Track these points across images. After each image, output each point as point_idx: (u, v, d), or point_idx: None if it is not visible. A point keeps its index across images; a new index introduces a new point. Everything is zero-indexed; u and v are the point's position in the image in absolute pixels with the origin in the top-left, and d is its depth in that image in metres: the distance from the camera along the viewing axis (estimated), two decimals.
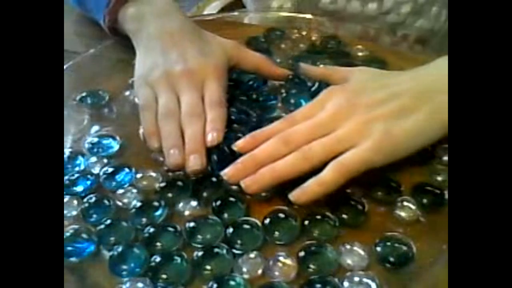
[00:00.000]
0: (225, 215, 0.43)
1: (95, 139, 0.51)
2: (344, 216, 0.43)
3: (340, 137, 0.44)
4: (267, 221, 0.42)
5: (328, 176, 0.42)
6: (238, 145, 0.46)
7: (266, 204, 0.44)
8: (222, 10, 1.07)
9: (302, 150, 0.43)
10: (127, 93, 0.57)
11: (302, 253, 0.40)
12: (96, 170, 0.48)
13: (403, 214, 0.43)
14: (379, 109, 0.45)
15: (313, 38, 0.66)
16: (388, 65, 0.60)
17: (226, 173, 0.44)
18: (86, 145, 0.50)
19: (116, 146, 0.50)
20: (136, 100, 0.54)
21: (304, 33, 0.67)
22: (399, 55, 0.63)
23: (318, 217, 0.42)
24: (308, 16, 0.70)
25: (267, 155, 0.44)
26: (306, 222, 0.42)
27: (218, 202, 0.44)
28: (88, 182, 0.46)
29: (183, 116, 0.49)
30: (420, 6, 0.72)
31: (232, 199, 0.44)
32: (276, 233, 0.41)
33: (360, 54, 0.63)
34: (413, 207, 0.43)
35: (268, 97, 0.55)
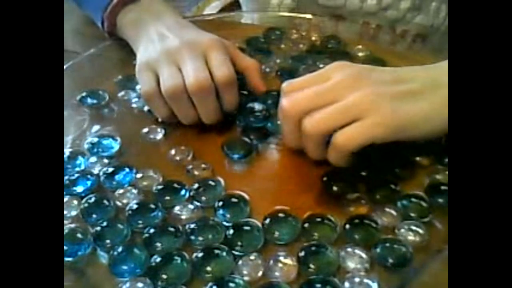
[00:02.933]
0: (228, 216, 0.43)
1: (95, 139, 0.51)
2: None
3: (346, 107, 0.42)
4: (267, 221, 0.42)
5: (331, 156, 0.43)
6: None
7: (268, 205, 0.44)
8: (222, 10, 1.07)
9: (304, 128, 0.43)
10: (123, 93, 0.57)
11: (302, 253, 0.40)
12: (96, 170, 0.48)
13: (410, 238, 0.41)
14: (387, 87, 0.44)
15: (313, 38, 0.66)
16: (388, 65, 0.60)
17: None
18: (86, 145, 0.50)
19: (116, 146, 0.50)
20: (138, 88, 0.54)
21: (304, 33, 0.67)
22: (399, 55, 0.63)
23: (318, 219, 0.42)
24: (308, 16, 0.70)
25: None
26: (306, 225, 0.42)
27: (221, 203, 0.44)
28: (88, 182, 0.46)
29: (191, 91, 0.48)
30: (419, 2, 0.73)
31: (234, 199, 0.44)
32: (276, 233, 0.41)
33: (360, 54, 0.63)
34: (421, 231, 0.41)
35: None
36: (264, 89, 0.55)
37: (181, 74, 0.49)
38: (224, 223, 0.42)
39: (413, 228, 0.42)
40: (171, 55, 0.50)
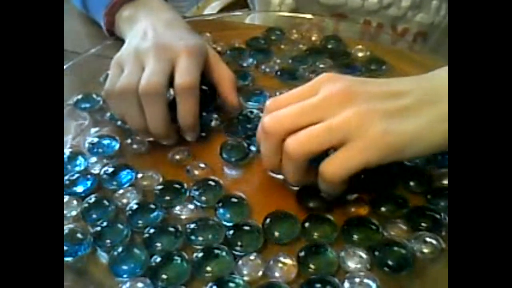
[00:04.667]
0: (228, 216, 0.43)
1: (95, 139, 0.51)
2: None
3: (333, 127, 0.39)
4: (267, 221, 0.42)
5: (323, 187, 0.41)
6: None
7: (268, 205, 0.44)
8: (222, 10, 1.07)
9: (286, 151, 0.40)
10: None
11: (302, 253, 0.40)
12: (96, 170, 0.48)
13: (426, 250, 0.40)
14: (379, 104, 0.40)
15: (313, 38, 0.66)
16: (388, 65, 0.60)
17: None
18: (86, 145, 0.50)
19: (116, 146, 0.50)
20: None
21: (304, 33, 0.67)
22: (399, 55, 0.63)
23: (318, 219, 0.42)
24: (308, 16, 0.70)
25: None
26: (306, 225, 0.42)
27: (220, 203, 0.44)
28: (88, 182, 0.46)
29: (140, 92, 0.45)
30: (420, 0, 0.73)
31: (234, 199, 0.44)
32: (276, 233, 0.41)
33: (360, 54, 0.63)
34: (435, 242, 0.40)
35: None
36: (236, 103, 0.52)
37: (140, 75, 0.47)
38: (224, 223, 0.42)
39: (427, 240, 0.41)
40: (139, 55, 0.49)
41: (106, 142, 0.50)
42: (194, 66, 0.48)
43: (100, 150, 0.50)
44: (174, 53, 0.48)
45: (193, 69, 0.47)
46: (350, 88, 0.40)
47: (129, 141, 0.51)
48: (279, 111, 0.41)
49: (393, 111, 0.40)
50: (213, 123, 0.53)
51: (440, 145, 0.40)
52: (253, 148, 0.49)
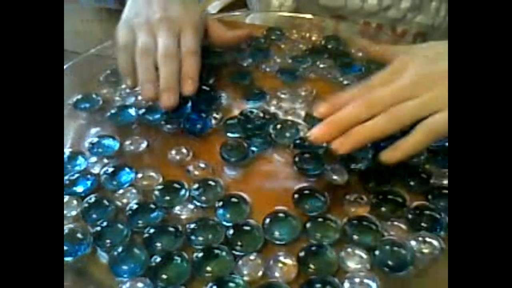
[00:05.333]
0: (228, 216, 0.43)
1: (95, 139, 0.51)
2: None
3: (427, 102, 0.43)
4: (267, 221, 0.42)
5: (418, 137, 0.42)
6: (318, 111, 0.46)
7: (267, 205, 0.44)
8: (222, 10, 1.07)
9: (390, 112, 0.43)
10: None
11: (302, 253, 0.40)
12: (96, 170, 0.48)
13: (425, 250, 0.40)
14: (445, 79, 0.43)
15: (313, 38, 0.66)
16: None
17: (313, 133, 0.44)
18: (86, 145, 0.50)
19: (116, 146, 0.50)
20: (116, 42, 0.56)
21: (304, 33, 0.67)
22: None
23: (320, 219, 0.42)
24: (308, 16, 0.70)
25: (351, 117, 0.44)
26: (308, 225, 0.42)
27: (220, 203, 0.44)
28: (88, 183, 0.46)
29: (159, 56, 0.52)
30: (420, 2, 0.73)
31: (234, 199, 0.44)
32: (276, 233, 0.41)
33: (360, 54, 0.63)
34: (435, 242, 0.41)
35: None
36: (245, 33, 0.61)
37: (154, 41, 0.53)
38: (224, 223, 0.42)
39: (427, 239, 0.41)
40: (151, 27, 0.54)
41: (106, 142, 0.50)
42: (196, 37, 0.55)
43: (100, 150, 0.50)
44: (181, 24, 0.55)
45: (196, 39, 0.55)
46: (428, 68, 0.45)
47: (128, 142, 0.51)
48: (376, 93, 0.45)
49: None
50: (213, 123, 0.53)
51: None
52: (254, 148, 0.49)
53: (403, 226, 0.42)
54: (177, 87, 0.51)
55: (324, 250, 0.40)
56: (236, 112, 0.54)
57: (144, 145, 0.51)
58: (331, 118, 0.44)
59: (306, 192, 0.45)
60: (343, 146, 0.43)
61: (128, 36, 0.54)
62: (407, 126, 0.43)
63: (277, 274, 0.39)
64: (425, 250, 0.40)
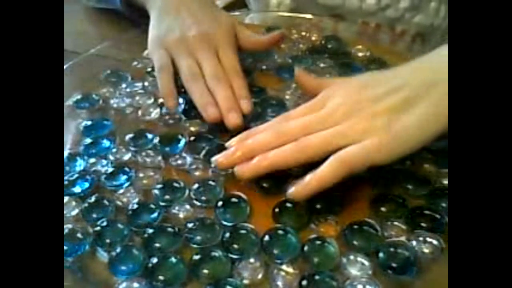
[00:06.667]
0: (228, 216, 0.43)
1: (92, 140, 0.51)
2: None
3: (341, 131, 0.42)
4: (266, 238, 0.41)
5: (327, 170, 0.41)
6: (232, 142, 0.46)
7: (267, 205, 0.44)
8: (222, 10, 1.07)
9: (299, 140, 0.43)
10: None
11: (305, 248, 0.40)
12: (95, 171, 0.48)
13: (426, 250, 0.40)
14: (381, 104, 0.43)
15: (313, 38, 0.66)
16: (388, 65, 0.60)
17: (217, 160, 0.45)
18: (84, 146, 0.50)
19: (113, 147, 0.50)
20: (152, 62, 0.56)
21: (304, 33, 0.67)
22: (399, 55, 0.63)
23: (318, 242, 0.41)
24: (308, 16, 0.70)
25: (260, 144, 0.44)
26: (306, 248, 0.40)
27: (220, 203, 0.44)
28: (87, 183, 0.46)
29: (210, 80, 0.52)
30: (418, 1, 0.73)
31: (234, 199, 0.44)
32: (275, 251, 0.40)
33: (360, 54, 0.63)
34: (435, 242, 0.40)
35: None
36: (278, 38, 0.59)
37: (196, 62, 0.53)
38: (224, 223, 0.42)
39: (427, 239, 0.41)
40: (188, 46, 0.54)
41: (104, 142, 0.50)
42: (235, 52, 0.56)
43: (98, 150, 0.50)
44: (216, 41, 0.55)
45: (235, 55, 0.55)
46: (353, 97, 0.45)
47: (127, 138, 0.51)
48: (289, 122, 0.45)
49: (395, 107, 0.43)
50: None
51: (442, 129, 0.41)
52: None
53: (403, 226, 0.42)
54: (237, 106, 0.51)
55: (326, 244, 0.40)
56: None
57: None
58: (240, 145, 0.45)
59: (288, 205, 0.43)
60: (246, 172, 0.43)
61: (165, 57, 0.54)
62: (318, 156, 0.42)
63: (279, 283, 0.38)
64: (426, 250, 0.40)
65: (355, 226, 0.42)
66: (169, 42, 0.55)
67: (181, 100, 0.55)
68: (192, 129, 0.52)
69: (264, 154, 0.43)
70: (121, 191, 0.45)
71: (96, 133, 0.51)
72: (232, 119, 0.50)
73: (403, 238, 0.41)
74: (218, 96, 0.51)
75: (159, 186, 0.46)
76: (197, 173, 0.47)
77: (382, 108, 0.43)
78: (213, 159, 0.45)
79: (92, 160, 0.49)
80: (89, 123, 0.52)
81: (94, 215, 0.43)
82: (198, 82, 0.52)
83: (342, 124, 0.43)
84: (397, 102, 0.43)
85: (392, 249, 0.40)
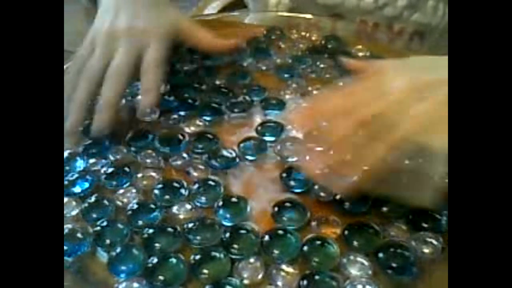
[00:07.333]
0: (228, 216, 0.43)
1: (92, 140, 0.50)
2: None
3: (423, 122, 0.39)
4: (266, 238, 0.41)
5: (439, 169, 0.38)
6: (295, 120, 0.44)
7: (267, 204, 0.44)
8: (222, 10, 1.07)
9: (385, 141, 0.39)
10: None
11: (305, 248, 0.40)
12: (95, 171, 0.48)
13: (426, 250, 0.40)
14: (443, 89, 0.38)
15: (313, 38, 0.66)
16: None
17: (303, 165, 0.42)
18: (84, 147, 0.50)
19: (114, 149, 0.50)
20: None
21: (304, 33, 0.67)
22: (397, 53, 0.63)
23: (318, 242, 0.41)
24: (308, 16, 0.70)
25: (344, 139, 0.40)
26: (305, 248, 0.40)
27: (221, 203, 0.44)
28: (87, 183, 0.46)
29: (106, 74, 0.50)
30: (416, 0, 0.73)
31: (234, 199, 0.44)
32: (275, 251, 0.40)
33: (360, 54, 0.63)
34: (435, 242, 0.40)
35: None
36: (223, 43, 0.58)
37: (108, 58, 0.51)
38: (224, 223, 0.42)
39: (427, 240, 0.41)
40: (111, 40, 0.51)
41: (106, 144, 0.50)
42: (159, 49, 0.52)
43: (100, 151, 0.49)
44: (146, 39, 0.52)
45: (158, 52, 0.52)
46: (415, 79, 0.41)
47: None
48: (369, 108, 0.40)
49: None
50: None
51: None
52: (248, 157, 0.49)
53: (403, 226, 0.42)
54: (112, 109, 0.49)
55: (326, 244, 0.40)
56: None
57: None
58: (326, 147, 0.41)
59: (287, 204, 0.44)
60: (345, 190, 0.40)
61: (83, 51, 0.52)
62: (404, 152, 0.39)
63: (279, 283, 0.38)
64: (426, 250, 0.40)
65: (355, 227, 0.42)
66: (95, 36, 0.52)
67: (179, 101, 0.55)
68: (192, 129, 0.52)
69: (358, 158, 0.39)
70: (121, 191, 0.45)
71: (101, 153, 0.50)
72: (97, 122, 0.49)
73: (403, 239, 0.41)
74: (102, 92, 0.50)
75: (159, 186, 0.46)
76: (197, 173, 0.47)
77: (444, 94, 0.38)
78: (300, 164, 0.42)
79: (92, 160, 0.49)
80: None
81: (94, 215, 0.43)
82: (85, 80, 0.50)
83: (417, 110, 0.39)
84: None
85: (392, 249, 0.40)
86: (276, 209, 0.43)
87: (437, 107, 0.39)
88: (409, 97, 0.40)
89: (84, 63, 0.51)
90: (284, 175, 0.47)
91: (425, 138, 0.39)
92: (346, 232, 0.41)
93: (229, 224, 0.42)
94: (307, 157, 0.42)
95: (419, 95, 0.40)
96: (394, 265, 0.39)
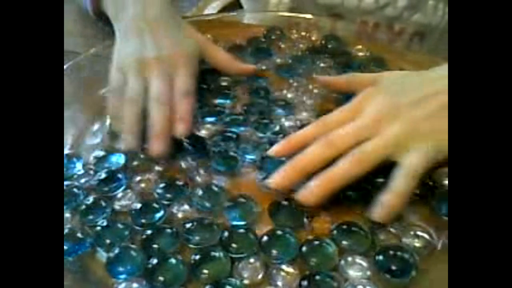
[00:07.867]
0: (237, 216, 0.43)
1: (101, 153, 0.50)
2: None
3: (391, 139, 0.42)
4: (265, 238, 0.41)
5: (400, 184, 0.41)
6: (274, 150, 0.46)
7: (267, 205, 0.44)
8: (222, 10, 1.07)
9: (353, 154, 0.42)
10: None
11: (304, 248, 0.40)
12: (94, 171, 0.48)
13: (417, 244, 0.41)
14: (420, 109, 0.43)
15: (313, 38, 0.66)
16: (388, 64, 0.60)
17: (273, 181, 0.44)
18: (93, 160, 0.49)
19: (121, 161, 0.49)
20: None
21: (304, 33, 0.67)
22: (398, 54, 0.63)
23: (317, 242, 0.41)
24: (308, 16, 0.70)
25: (312, 159, 0.43)
26: (304, 249, 0.40)
27: (229, 204, 0.43)
28: (87, 183, 0.46)
29: (149, 101, 0.50)
30: (416, 0, 0.73)
31: (242, 200, 0.44)
32: (274, 251, 0.40)
33: (360, 54, 0.63)
34: (427, 236, 0.41)
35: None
36: (241, 67, 0.58)
37: (144, 84, 0.51)
38: (234, 223, 0.42)
39: (419, 234, 0.41)
40: (142, 68, 0.52)
41: (113, 157, 0.49)
42: (189, 74, 0.53)
43: (107, 165, 0.48)
44: (174, 65, 0.53)
45: (188, 78, 0.53)
46: (392, 102, 0.44)
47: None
48: (337, 132, 0.44)
49: (435, 112, 0.42)
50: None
51: None
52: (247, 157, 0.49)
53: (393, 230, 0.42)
54: (167, 135, 0.49)
55: (324, 245, 0.40)
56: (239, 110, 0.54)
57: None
58: (290, 163, 0.44)
59: (284, 204, 0.44)
60: (311, 198, 0.42)
61: (118, 79, 0.52)
62: (373, 167, 0.42)
63: (279, 283, 0.38)
64: (417, 244, 0.40)
65: (344, 226, 0.41)
66: (124, 63, 0.53)
67: None
68: (195, 132, 0.52)
69: (325, 175, 0.42)
70: (120, 195, 0.45)
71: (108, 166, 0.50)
72: (155, 147, 0.48)
73: (394, 234, 0.41)
74: (152, 118, 0.49)
75: (161, 185, 0.45)
76: (200, 178, 0.47)
77: (423, 114, 0.43)
78: (269, 180, 0.44)
79: (92, 160, 0.49)
80: (101, 154, 0.50)
81: (94, 215, 0.43)
82: (133, 106, 0.50)
83: (386, 131, 0.42)
84: (435, 108, 0.43)
85: (391, 252, 0.40)
86: (272, 208, 0.43)
87: (409, 126, 0.42)
88: (381, 120, 0.43)
89: (121, 88, 0.51)
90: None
91: (394, 154, 0.42)
92: (334, 232, 0.41)
93: (240, 223, 0.42)
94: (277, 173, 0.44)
95: (391, 117, 0.43)
96: (393, 267, 0.39)
